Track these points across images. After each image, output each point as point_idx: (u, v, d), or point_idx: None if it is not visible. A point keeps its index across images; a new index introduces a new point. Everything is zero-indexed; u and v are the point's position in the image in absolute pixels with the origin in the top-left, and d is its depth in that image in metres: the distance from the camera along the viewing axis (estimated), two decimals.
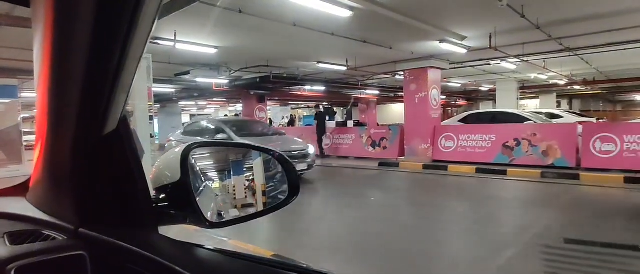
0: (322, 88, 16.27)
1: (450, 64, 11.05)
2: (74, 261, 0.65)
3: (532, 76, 15.47)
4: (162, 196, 0.76)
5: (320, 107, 14.61)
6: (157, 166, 0.80)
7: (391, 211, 5.84)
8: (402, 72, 11.04)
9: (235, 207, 0.88)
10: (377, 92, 19.75)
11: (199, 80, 12.76)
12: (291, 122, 23.68)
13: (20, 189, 0.88)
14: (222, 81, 13.07)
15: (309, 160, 8.08)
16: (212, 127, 9.12)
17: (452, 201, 6.57)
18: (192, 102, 23.89)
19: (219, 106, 29.02)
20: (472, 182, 7.97)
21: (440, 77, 11.14)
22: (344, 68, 11.44)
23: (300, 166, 7.74)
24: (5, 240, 0.68)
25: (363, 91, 18.73)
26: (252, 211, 0.90)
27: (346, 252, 3.88)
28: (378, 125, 17.46)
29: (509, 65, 11.96)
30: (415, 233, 4.55)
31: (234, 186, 0.90)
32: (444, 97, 22.45)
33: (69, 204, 0.74)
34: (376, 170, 9.99)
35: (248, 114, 15.84)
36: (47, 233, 0.72)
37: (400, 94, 17.21)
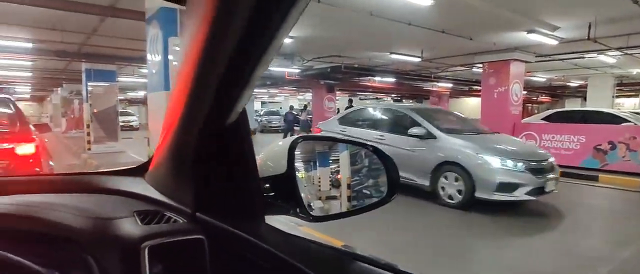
0: (392, 79, 15.91)
1: (536, 56, 10.15)
2: (193, 244, 0.69)
3: (634, 71, 13.65)
4: (266, 186, 0.77)
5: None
6: (263, 157, 0.81)
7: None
8: (480, 65, 10.39)
9: (320, 198, 0.87)
10: (450, 85, 18.85)
11: (273, 68, 13.18)
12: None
13: (137, 171, 0.95)
14: (294, 70, 13.37)
15: (553, 174, 5.27)
16: (394, 115, 6.34)
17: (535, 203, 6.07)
18: (264, 90, 24.84)
19: (288, 94, 29.84)
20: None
21: (524, 71, 10.29)
22: (418, 59, 11.05)
23: (549, 185, 5.10)
24: (136, 219, 0.73)
25: (435, 83, 17.98)
26: (335, 203, 0.90)
27: None
28: None
29: (607, 58, 10.66)
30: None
31: (319, 178, 0.89)
32: (526, 92, 20.79)
33: (188, 189, 0.77)
34: None
35: (317, 103, 16.06)
36: (168, 215, 0.77)
37: (477, 87, 16.24)
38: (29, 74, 15.98)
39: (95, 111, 11.33)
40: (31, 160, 3.39)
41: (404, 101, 26.18)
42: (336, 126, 6.86)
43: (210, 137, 0.71)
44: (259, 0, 0.46)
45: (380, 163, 0.91)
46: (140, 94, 24.03)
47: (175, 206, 0.78)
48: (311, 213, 0.77)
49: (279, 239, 0.70)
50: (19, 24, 7.66)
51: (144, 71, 13.00)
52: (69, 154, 10.94)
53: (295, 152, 0.81)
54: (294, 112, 16.50)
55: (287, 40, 8.88)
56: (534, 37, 7.93)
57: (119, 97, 15.67)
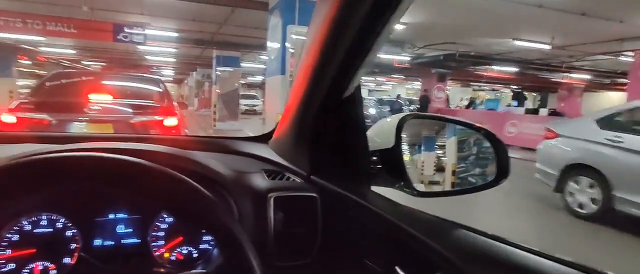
0: (514, 69, 14.41)
1: None
2: (309, 200, 0.81)
3: None
4: (373, 158, 0.83)
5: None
6: (371, 133, 0.86)
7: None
8: (631, 53, 8.74)
9: (422, 182, 0.89)
10: (586, 76, 16.28)
11: (382, 56, 13.08)
12: (471, 104, 22.01)
13: (263, 138, 1.13)
14: (404, 57, 13.06)
15: None
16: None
17: None
18: (371, 78, 24.80)
19: (396, 83, 29.29)
20: None
21: None
22: (548, 47, 9.78)
23: None
24: (263, 175, 0.88)
25: (567, 74, 15.72)
26: (437, 188, 0.90)
27: None
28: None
29: None
30: None
31: (423, 162, 0.91)
32: None
33: (305, 155, 0.89)
34: None
35: (426, 92, 15.46)
36: (288, 175, 0.89)
37: (621, 80, 13.76)
38: (173, 60, 18.74)
39: (220, 92, 12.76)
40: (174, 131, 3.95)
41: (525, 94, 23.50)
42: (593, 130, 4.48)
43: (328, 110, 0.81)
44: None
45: (490, 153, 0.87)
46: (258, 78, 26.18)
47: (293, 169, 0.91)
48: (415, 189, 0.80)
49: (384, 204, 0.75)
50: (167, 16, 9.00)
51: (264, 57, 14.17)
52: (198, 128, 12.58)
53: (403, 130, 0.83)
54: (400, 100, 16.18)
55: (398, 27, 8.70)
56: None
57: (242, 82, 17.37)
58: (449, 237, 0.62)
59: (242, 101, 18.11)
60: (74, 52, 16.98)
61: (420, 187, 0.86)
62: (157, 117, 3.87)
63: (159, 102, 4.17)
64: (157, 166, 0.52)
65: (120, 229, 0.76)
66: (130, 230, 0.76)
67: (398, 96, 17.91)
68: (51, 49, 16.14)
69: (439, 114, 1.00)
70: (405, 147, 0.96)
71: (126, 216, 0.76)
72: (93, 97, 3.70)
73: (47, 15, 7.74)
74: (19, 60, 17.95)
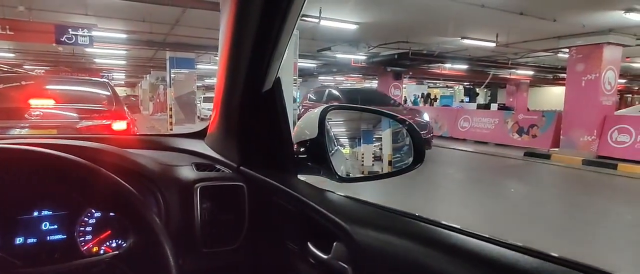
0: (464, 66, 15.10)
1: (637, 39, 8.95)
2: (236, 190, 0.87)
3: None
4: (301, 149, 0.88)
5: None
6: (299, 124, 0.90)
7: (537, 210, 5.19)
8: (566, 50, 9.43)
9: (362, 173, 0.95)
10: (531, 72, 17.37)
11: (339, 56, 13.24)
12: (426, 101, 22.80)
13: (199, 135, 1.17)
14: (360, 57, 13.30)
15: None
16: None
17: (620, 206, 5.47)
18: (330, 77, 25.03)
19: (354, 82, 29.73)
20: None
21: (621, 56, 9.13)
22: (493, 44, 10.35)
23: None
24: (192, 167, 0.92)
25: (513, 70, 16.70)
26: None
27: None
28: (528, 110, 15.45)
29: None
30: (569, 240, 3.97)
31: (363, 154, 0.95)
32: (624, 81, 18.42)
33: (234, 147, 0.95)
34: (521, 160, 8.93)
35: (383, 90, 15.85)
36: (218, 167, 0.95)
37: (562, 75, 14.81)
38: (124, 62, 17.91)
39: (176, 95, 12.38)
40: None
41: (477, 90, 24.69)
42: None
43: (251, 104, 0.86)
44: None
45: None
46: (214, 80, 25.61)
47: (224, 161, 0.96)
48: (337, 174, 0.83)
49: (309, 191, 0.79)
50: (115, 16, 8.60)
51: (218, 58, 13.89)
52: (153, 132, 12.12)
53: (327, 122, 0.87)
54: None
55: (351, 27, 8.87)
56: (633, 17, 7.00)
57: (198, 84, 16.94)
58: (347, 210, 0.69)
59: (206, 105, 17.81)
60: (12, 55, 15.79)
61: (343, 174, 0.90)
62: (105, 122, 3.75)
63: (107, 105, 4.05)
64: (79, 160, 0.53)
65: (45, 226, 0.75)
66: (55, 226, 0.75)
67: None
68: None
69: (359, 105, 1.04)
70: (346, 140, 1.03)
71: (51, 213, 0.75)
72: (34, 102, 3.53)
73: None
74: None
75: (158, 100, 18.22)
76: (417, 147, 0.91)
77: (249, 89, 0.83)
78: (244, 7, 0.66)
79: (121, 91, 32.98)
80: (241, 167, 0.92)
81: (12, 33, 7.41)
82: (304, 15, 7.66)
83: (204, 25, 8.78)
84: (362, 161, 0.94)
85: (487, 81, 17.74)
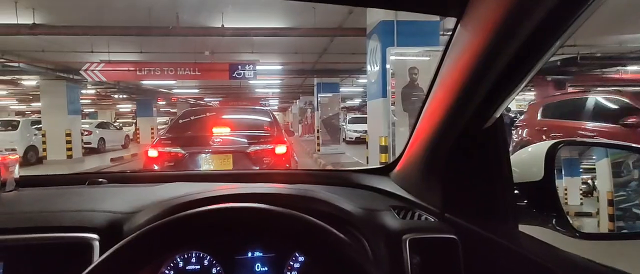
0: None
1: None
2: (447, 242, 0.73)
3: None
4: (516, 192, 0.75)
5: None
6: (514, 162, 0.77)
7: None
8: None
9: (567, 213, 0.77)
10: None
11: None
12: None
13: (383, 171, 1.08)
14: None
15: None
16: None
17: None
18: None
19: None
20: None
21: None
22: None
23: None
24: (393, 213, 0.81)
25: None
26: (588, 221, 0.78)
27: None
28: None
29: None
30: None
31: (565, 189, 0.81)
32: None
33: (436, 190, 0.81)
34: None
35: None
36: (418, 212, 0.82)
37: None
38: (278, 90, 20.25)
39: (322, 118, 13.28)
40: (283, 158, 4.27)
41: None
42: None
43: (466, 141, 0.74)
44: (550, 11, 0.46)
45: None
46: (356, 101, 26.60)
47: (423, 205, 0.84)
48: (576, 230, 0.68)
49: (538, 248, 0.65)
50: (273, 51, 9.83)
51: (361, 81, 14.41)
52: (303, 153, 13.20)
53: (559, 159, 0.75)
54: (510, 114, 14.76)
55: None
56: None
57: (343, 105, 17.85)
58: None
59: (352, 126, 16.87)
60: (197, 91, 19.55)
61: (585, 227, 0.75)
62: (269, 146, 4.18)
63: (270, 131, 4.51)
64: (294, 213, 0.53)
65: (257, 267, 0.76)
66: (266, 268, 0.76)
67: (508, 109, 16.40)
68: (180, 90, 18.85)
69: (603, 141, 0.89)
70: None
71: (262, 254, 0.77)
72: (216, 130, 4.17)
73: (178, 62, 9.09)
74: (158, 102, 21.34)
75: (306, 123, 19.82)
76: None
77: (471, 125, 0.70)
78: (508, 27, 0.53)
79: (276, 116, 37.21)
80: (446, 214, 0.79)
81: (199, 73, 9.16)
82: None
83: (348, 51, 9.26)
84: (565, 199, 0.80)
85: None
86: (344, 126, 16.32)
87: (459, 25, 0.61)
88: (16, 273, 0.63)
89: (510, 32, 0.51)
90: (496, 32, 0.53)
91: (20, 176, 0.92)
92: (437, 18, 5.36)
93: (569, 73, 12.52)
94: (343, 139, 14.80)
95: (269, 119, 4.84)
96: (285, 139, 4.52)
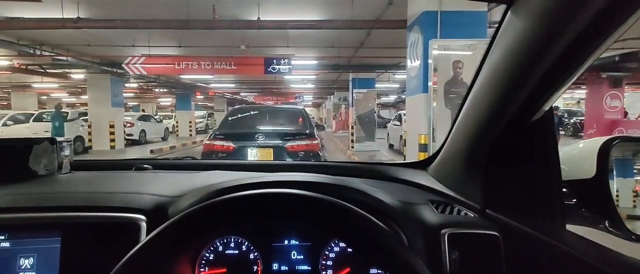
0: None
1: None
2: (488, 239, 0.70)
3: None
4: (564, 190, 0.72)
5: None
6: (563, 158, 0.74)
7: None
8: None
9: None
10: None
11: None
12: None
13: (421, 165, 1.07)
14: None
15: None
16: None
17: None
18: None
19: None
20: None
21: None
22: None
23: None
24: (431, 207, 0.80)
25: None
26: None
27: None
28: None
29: None
30: None
31: (617, 190, 0.75)
32: None
33: (477, 185, 0.78)
34: None
35: (595, 101, 12.96)
36: (458, 207, 0.80)
37: None
38: (312, 86, 20.18)
39: (357, 114, 13.05)
40: (315, 152, 4.71)
41: None
42: None
43: (511, 134, 0.70)
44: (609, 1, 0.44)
45: None
46: (391, 97, 26.11)
47: (462, 200, 0.82)
48: (632, 232, 0.65)
49: (588, 248, 0.61)
50: (309, 45, 9.72)
51: (397, 76, 14.03)
52: (336, 150, 13.05)
53: (613, 156, 0.71)
54: (558, 113, 13.90)
55: None
56: None
57: (378, 101, 17.52)
58: None
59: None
60: (233, 85, 19.86)
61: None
62: (302, 142, 4.70)
63: (303, 128, 5.01)
64: (333, 199, 0.53)
65: (293, 255, 0.80)
66: (302, 257, 0.80)
67: (555, 107, 15.46)
68: (217, 84, 19.20)
69: None
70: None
71: (298, 242, 0.80)
72: (260, 127, 4.88)
73: (215, 56, 9.19)
74: (196, 96, 21.89)
75: (340, 118, 19.69)
76: None
77: (517, 118, 0.66)
78: (564, 15, 0.50)
79: (309, 111, 37.51)
80: (487, 210, 0.76)
81: (235, 67, 9.21)
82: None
83: (386, 45, 8.98)
84: (617, 201, 0.72)
85: None
86: (395, 126, 12.49)
87: (508, 12, 0.60)
88: (71, 246, 0.69)
89: (565, 19, 0.50)
90: (549, 19, 0.52)
91: (74, 160, 1.04)
92: (484, 7, 5.03)
93: (627, 69, 11.56)
94: (390, 145, 13.01)
95: (302, 118, 5.34)
96: (316, 134, 5.00)
